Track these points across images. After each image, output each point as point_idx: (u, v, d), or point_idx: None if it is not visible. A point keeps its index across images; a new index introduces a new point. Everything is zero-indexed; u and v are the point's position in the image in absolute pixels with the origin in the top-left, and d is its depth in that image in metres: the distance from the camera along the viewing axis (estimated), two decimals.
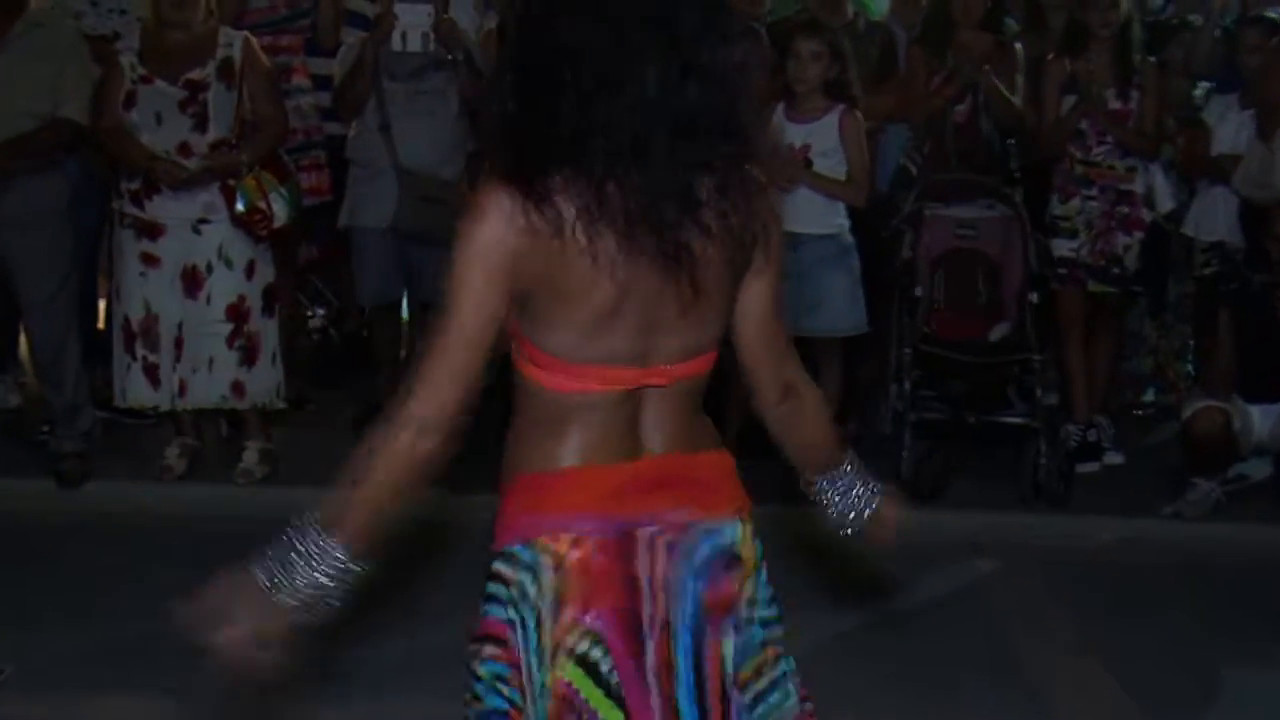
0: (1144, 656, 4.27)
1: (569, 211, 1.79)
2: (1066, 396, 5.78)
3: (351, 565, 1.84)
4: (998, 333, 5.54)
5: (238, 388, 5.17)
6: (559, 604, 1.91)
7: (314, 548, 1.83)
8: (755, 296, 1.98)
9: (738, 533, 1.99)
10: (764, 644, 2.01)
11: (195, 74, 4.97)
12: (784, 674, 2.04)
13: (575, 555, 1.91)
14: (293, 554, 1.83)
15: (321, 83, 5.89)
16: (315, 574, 1.83)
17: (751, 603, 2.01)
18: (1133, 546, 5.16)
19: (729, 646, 1.97)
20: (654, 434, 1.96)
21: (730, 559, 1.97)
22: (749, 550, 2.00)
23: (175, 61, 4.97)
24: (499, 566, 1.96)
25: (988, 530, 5.20)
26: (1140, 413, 6.42)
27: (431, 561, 4.59)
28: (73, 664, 4.00)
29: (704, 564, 1.95)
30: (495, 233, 1.80)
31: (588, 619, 1.90)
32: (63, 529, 5.00)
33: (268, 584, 1.83)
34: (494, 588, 1.96)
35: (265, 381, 5.23)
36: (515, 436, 1.98)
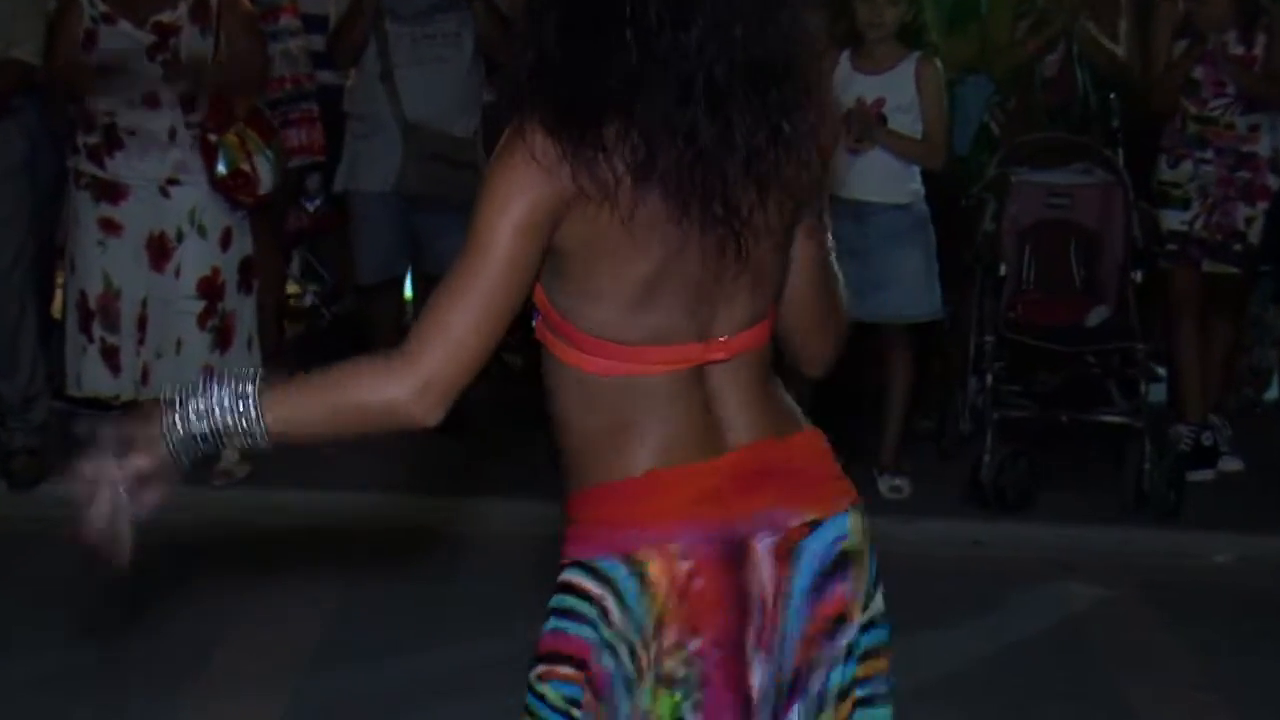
0: (1271, 696, 4.19)
1: (618, 166, 1.80)
2: (1176, 392, 5.74)
3: (255, 420, 1.83)
4: (1095, 318, 5.47)
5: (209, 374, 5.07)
6: (659, 627, 1.90)
7: (233, 385, 1.84)
8: (803, 260, 2.01)
9: (846, 525, 1.99)
10: (848, 689, 2.01)
11: (165, 16, 4.93)
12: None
13: (681, 570, 1.89)
14: (209, 383, 1.85)
15: (314, 24, 5.89)
16: (218, 400, 1.83)
17: (861, 609, 2.01)
18: (1254, 567, 5.10)
19: (837, 670, 1.98)
20: (735, 419, 1.95)
21: (840, 559, 1.98)
22: (861, 542, 2.01)
23: (143, 1, 4.92)
24: (578, 578, 1.93)
25: (1083, 547, 5.15)
26: (1261, 410, 6.37)
27: (447, 573, 4.58)
28: (26, 690, 3.97)
29: (820, 572, 1.96)
30: (534, 185, 1.81)
31: (692, 645, 1.90)
32: (13, 536, 4.96)
33: (171, 403, 1.84)
34: (571, 601, 1.93)
35: (240, 367, 5.11)
36: (574, 440, 1.96)
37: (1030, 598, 4.83)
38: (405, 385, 1.81)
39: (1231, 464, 5.69)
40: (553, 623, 1.94)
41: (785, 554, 1.93)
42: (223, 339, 5.11)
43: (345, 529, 5.02)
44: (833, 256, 2.05)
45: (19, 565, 4.76)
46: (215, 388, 1.83)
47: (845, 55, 5.26)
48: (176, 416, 1.83)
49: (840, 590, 1.96)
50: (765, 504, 1.93)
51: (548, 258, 1.85)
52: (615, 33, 1.78)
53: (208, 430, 1.83)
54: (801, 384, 5.36)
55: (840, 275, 2.07)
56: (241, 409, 1.82)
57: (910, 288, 5.27)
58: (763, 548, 1.92)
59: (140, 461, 1.83)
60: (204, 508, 5.10)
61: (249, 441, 1.83)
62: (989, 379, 5.34)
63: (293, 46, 5.85)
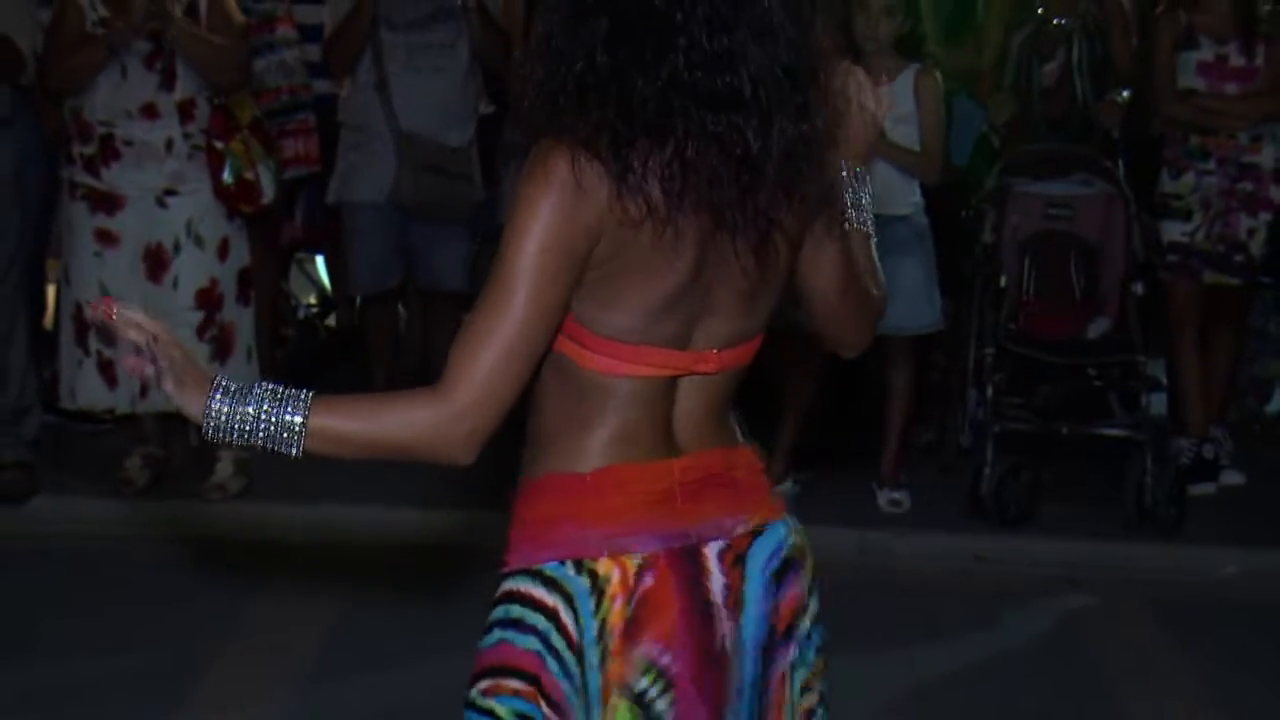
0: (1274, 711, 4.20)
1: (653, 182, 1.81)
2: (1178, 405, 5.72)
3: (295, 437, 1.84)
4: (1096, 330, 5.50)
5: None
6: (622, 639, 1.90)
7: (280, 415, 1.84)
8: (831, 254, 2.01)
9: (785, 530, 2.04)
10: (811, 669, 2.06)
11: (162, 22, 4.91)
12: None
13: (639, 580, 1.90)
14: (261, 401, 1.85)
15: (310, 33, 5.87)
16: (265, 426, 1.84)
17: (806, 608, 2.05)
18: (1256, 582, 5.10)
19: (796, 674, 2.02)
20: (688, 428, 1.98)
21: (790, 560, 2.02)
22: (802, 544, 2.05)
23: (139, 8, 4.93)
24: (526, 586, 1.92)
25: (1084, 561, 5.15)
26: (1262, 423, 6.36)
27: (446, 588, 4.58)
28: (14, 706, 3.96)
29: (770, 575, 1.99)
30: (576, 210, 1.80)
31: (665, 659, 1.91)
32: (3, 551, 4.95)
33: (221, 385, 1.86)
34: (519, 610, 1.92)
35: (240, 380, 5.14)
36: (540, 423, 1.97)
37: (1031, 612, 4.83)
38: (444, 429, 1.81)
39: (1233, 477, 5.69)
40: (497, 634, 1.92)
41: (734, 561, 1.96)
42: (221, 350, 5.11)
43: (343, 543, 5.02)
44: (869, 241, 2.06)
45: (5, 579, 4.75)
46: (266, 409, 1.83)
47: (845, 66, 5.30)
48: (222, 411, 1.84)
49: (793, 592, 2.01)
50: (714, 511, 1.96)
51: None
52: (667, 40, 1.79)
53: (244, 440, 1.85)
54: (805, 395, 5.37)
55: (875, 259, 2.08)
56: (284, 439, 1.83)
57: (910, 300, 5.26)
58: (713, 554, 1.94)
59: (169, 387, 1.86)
60: (196, 523, 5.15)
61: (286, 437, 1.85)
62: (989, 391, 5.33)
63: (289, 57, 5.82)
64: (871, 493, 5.36)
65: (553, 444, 1.94)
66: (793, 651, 2.01)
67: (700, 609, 1.93)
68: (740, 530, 1.98)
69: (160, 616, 4.50)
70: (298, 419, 1.82)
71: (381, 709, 4.01)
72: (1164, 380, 5.62)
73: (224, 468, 5.27)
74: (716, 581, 1.94)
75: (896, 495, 5.38)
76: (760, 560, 1.98)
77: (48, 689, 4.06)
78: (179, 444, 5.51)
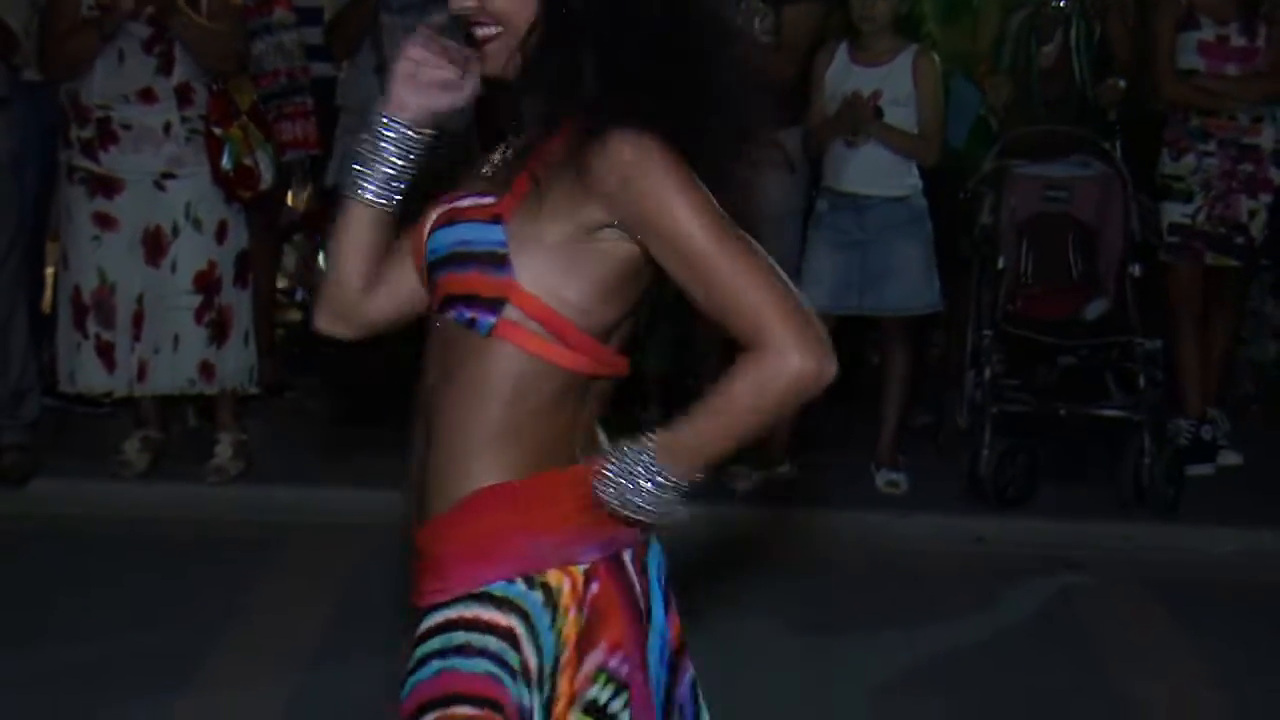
0: (1273, 689, 4.20)
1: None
2: (1175, 386, 5.72)
3: (675, 496, 1.84)
4: (1093, 311, 5.49)
5: (206, 369, 5.14)
6: (580, 648, 1.88)
7: (647, 478, 1.83)
8: None
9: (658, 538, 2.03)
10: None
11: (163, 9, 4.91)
12: None
13: (588, 589, 1.88)
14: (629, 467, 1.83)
15: (308, 16, 5.87)
16: (645, 496, 1.83)
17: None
18: (1253, 561, 5.12)
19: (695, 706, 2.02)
20: (589, 432, 1.97)
21: (665, 570, 2.01)
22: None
23: None
24: (470, 612, 1.86)
25: (1082, 542, 5.17)
26: (1259, 404, 6.38)
27: None
28: (16, 691, 3.96)
29: (662, 582, 1.99)
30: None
31: (613, 663, 1.89)
32: (4, 533, 4.96)
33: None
34: (463, 637, 1.86)
35: (237, 362, 5.21)
36: (462, 433, 1.90)
37: (1029, 592, 4.85)
38: (797, 358, 1.78)
39: (1231, 458, 5.71)
40: (435, 665, 1.85)
41: (641, 569, 1.94)
42: (219, 333, 5.12)
43: (343, 526, 4.99)
44: None
45: (6, 563, 4.76)
46: (638, 483, 1.82)
47: (843, 47, 5.28)
48: (611, 489, 1.83)
49: (674, 614, 1.99)
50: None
51: (592, 259, 1.85)
52: (691, 60, 1.86)
53: (634, 510, 1.84)
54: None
55: None
56: (663, 495, 1.83)
57: (909, 281, 5.28)
58: (629, 559, 1.92)
59: None
60: (195, 506, 5.15)
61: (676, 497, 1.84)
62: (987, 373, 5.33)
63: (286, 40, 5.81)
64: (870, 474, 5.36)
65: (482, 454, 1.88)
66: (687, 677, 1.99)
67: (638, 615, 1.91)
68: (641, 538, 1.94)
69: (160, 599, 4.51)
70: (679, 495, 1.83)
71: (382, 690, 3.98)
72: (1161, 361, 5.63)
73: (222, 450, 5.28)
74: (638, 588, 1.92)
75: (894, 477, 5.38)
76: (654, 569, 1.97)
77: (49, 670, 4.07)
78: (177, 427, 5.51)
